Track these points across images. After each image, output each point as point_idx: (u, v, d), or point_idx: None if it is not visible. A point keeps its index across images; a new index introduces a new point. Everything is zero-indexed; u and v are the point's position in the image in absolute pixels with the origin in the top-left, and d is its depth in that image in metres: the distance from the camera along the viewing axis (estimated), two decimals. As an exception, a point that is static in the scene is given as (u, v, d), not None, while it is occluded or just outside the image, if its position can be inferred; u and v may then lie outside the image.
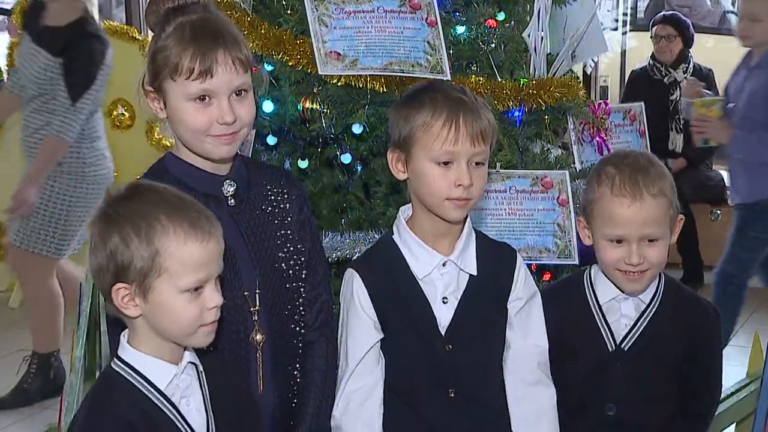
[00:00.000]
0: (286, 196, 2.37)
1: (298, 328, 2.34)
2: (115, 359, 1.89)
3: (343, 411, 2.30)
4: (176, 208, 1.84)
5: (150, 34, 2.28)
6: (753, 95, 4.93)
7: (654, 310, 2.41)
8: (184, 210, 1.84)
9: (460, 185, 2.18)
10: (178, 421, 1.87)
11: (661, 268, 2.38)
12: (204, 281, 1.84)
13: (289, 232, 2.35)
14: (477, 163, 2.22)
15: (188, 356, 1.92)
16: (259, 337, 2.23)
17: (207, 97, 2.13)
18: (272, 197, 2.35)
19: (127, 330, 1.91)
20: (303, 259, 2.35)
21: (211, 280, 1.86)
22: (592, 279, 2.47)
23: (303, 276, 2.34)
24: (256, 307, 2.22)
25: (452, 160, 2.19)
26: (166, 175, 2.17)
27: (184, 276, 1.81)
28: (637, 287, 2.38)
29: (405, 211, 2.36)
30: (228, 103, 2.15)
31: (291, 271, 2.33)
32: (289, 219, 2.35)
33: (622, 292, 2.40)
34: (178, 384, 1.90)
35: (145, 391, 1.85)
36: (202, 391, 1.95)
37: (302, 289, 2.34)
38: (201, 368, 1.96)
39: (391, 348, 2.33)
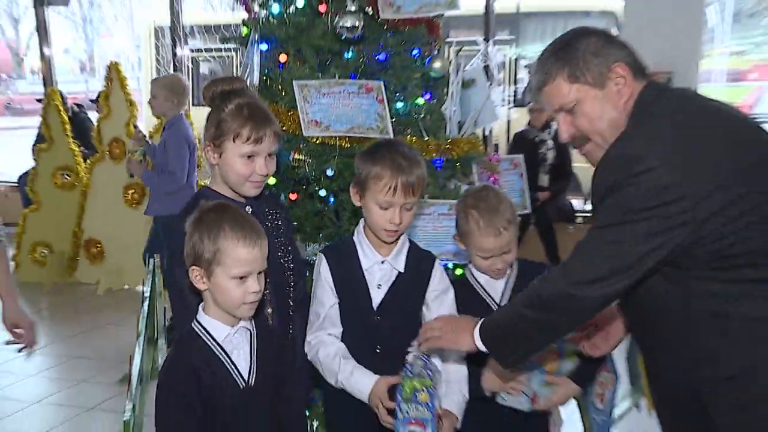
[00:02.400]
0: (278, 215, 2.37)
1: (291, 302, 2.36)
2: (195, 321, 1.94)
3: (317, 347, 2.30)
4: (237, 222, 1.88)
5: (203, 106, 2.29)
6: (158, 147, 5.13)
7: (515, 281, 2.41)
8: (241, 224, 1.89)
9: (392, 223, 2.21)
10: (228, 363, 1.92)
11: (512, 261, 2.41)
12: (248, 273, 1.87)
13: (283, 239, 2.36)
14: (407, 209, 2.23)
15: (243, 323, 1.96)
16: (270, 310, 2.26)
17: (253, 156, 2.16)
18: (270, 216, 2.34)
19: (202, 303, 1.96)
20: (291, 257, 2.36)
21: (254, 273, 1.89)
22: (473, 273, 2.46)
23: (291, 267, 2.35)
24: (267, 290, 2.19)
25: (390, 206, 2.20)
26: (205, 201, 2.14)
27: (234, 268, 1.86)
28: (501, 276, 2.41)
29: (363, 221, 2.34)
30: (264, 161, 2.18)
31: (286, 265, 2.35)
32: (281, 230, 2.36)
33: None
34: (232, 340, 1.93)
35: (209, 342, 1.91)
36: (250, 347, 1.97)
37: (291, 277, 2.36)
38: (254, 332, 1.99)
39: (339, 315, 2.34)
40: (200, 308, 1.95)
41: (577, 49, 1.80)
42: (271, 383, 2.01)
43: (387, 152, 2.23)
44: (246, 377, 1.94)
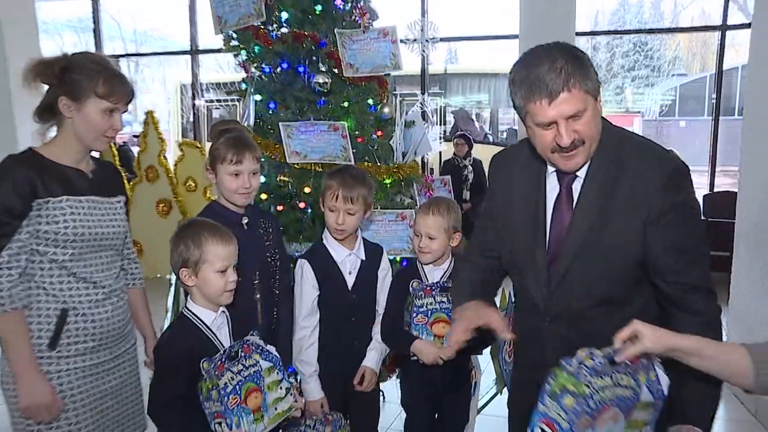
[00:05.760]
0: (269, 222, 2.27)
1: (276, 291, 2.23)
2: (184, 308, 1.83)
3: (297, 356, 2.26)
4: (212, 229, 1.80)
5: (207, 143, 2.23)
6: None
7: (450, 273, 2.28)
8: (216, 230, 1.81)
9: (338, 223, 2.21)
10: (217, 341, 1.80)
11: (440, 254, 2.28)
12: (227, 267, 1.79)
13: (271, 242, 2.25)
14: (350, 213, 2.21)
15: (221, 308, 1.85)
16: (258, 296, 2.15)
17: (238, 174, 2.09)
18: (263, 224, 2.25)
19: (189, 295, 1.84)
20: (277, 256, 2.25)
21: (231, 266, 1.80)
22: (422, 261, 2.32)
23: (277, 264, 2.24)
24: (257, 281, 2.14)
25: (335, 210, 2.21)
26: (214, 212, 2.11)
27: (216, 263, 1.77)
28: (428, 259, 2.29)
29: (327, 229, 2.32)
30: (248, 178, 2.10)
31: (273, 262, 2.23)
32: (271, 236, 2.26)
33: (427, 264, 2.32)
34: (216, 322, 1.82)
35: (199, 325, 1.79)
36: (228, 326, 1.86)
37: (276, 271, 2.25)
38: (228, 314, 1.87)
39: (323, 299, 2.27)
40: (188, 299, 1.85)
41: (587, 63, 1.51)
42: None
43: (339, 172, 2.26)
44: None
